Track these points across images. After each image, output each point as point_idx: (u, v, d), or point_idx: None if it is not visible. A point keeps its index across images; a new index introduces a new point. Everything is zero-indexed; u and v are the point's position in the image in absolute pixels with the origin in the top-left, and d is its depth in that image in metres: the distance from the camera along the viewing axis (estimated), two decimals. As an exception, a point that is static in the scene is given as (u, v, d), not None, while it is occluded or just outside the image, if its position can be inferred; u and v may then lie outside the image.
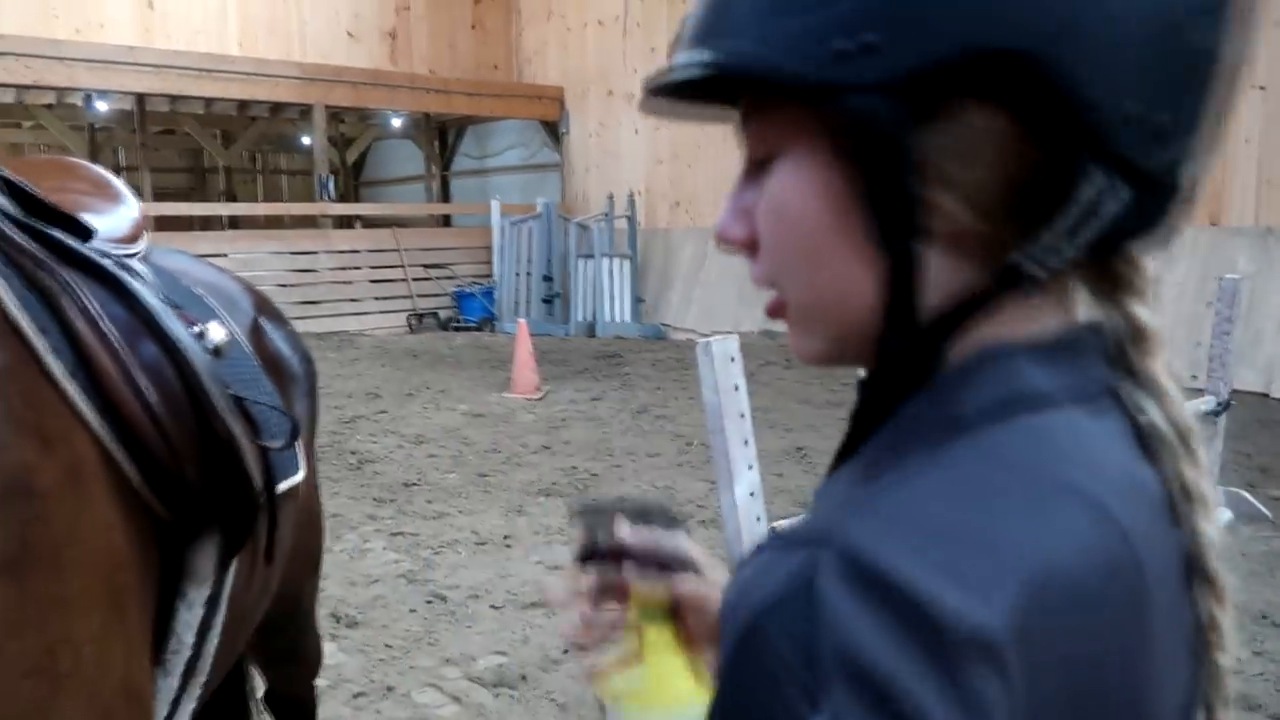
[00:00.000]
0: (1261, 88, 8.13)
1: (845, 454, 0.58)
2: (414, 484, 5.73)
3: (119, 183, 1.42)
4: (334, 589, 4.10)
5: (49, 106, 14.35)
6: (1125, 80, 0.47)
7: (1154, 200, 0.51)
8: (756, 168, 0.56)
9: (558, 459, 6.25)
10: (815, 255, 0.53)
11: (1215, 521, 0.53)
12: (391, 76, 14.46)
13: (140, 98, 13.95)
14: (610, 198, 13.98)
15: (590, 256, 13.07)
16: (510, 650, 3.50)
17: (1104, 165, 0.48)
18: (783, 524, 2.50)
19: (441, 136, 17.80)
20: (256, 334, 1.54)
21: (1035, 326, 0.52)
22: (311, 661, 1.99)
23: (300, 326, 9.40)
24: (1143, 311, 0.55)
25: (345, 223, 15.05)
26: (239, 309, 1.55)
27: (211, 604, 1.08)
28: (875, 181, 0.49)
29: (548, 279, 13.50)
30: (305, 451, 1.57)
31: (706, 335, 2.71)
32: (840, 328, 0.54)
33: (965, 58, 0.46)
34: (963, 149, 0.48)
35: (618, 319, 12.94)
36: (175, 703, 1.05)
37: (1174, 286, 8.61)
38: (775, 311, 0.58)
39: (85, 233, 1.08)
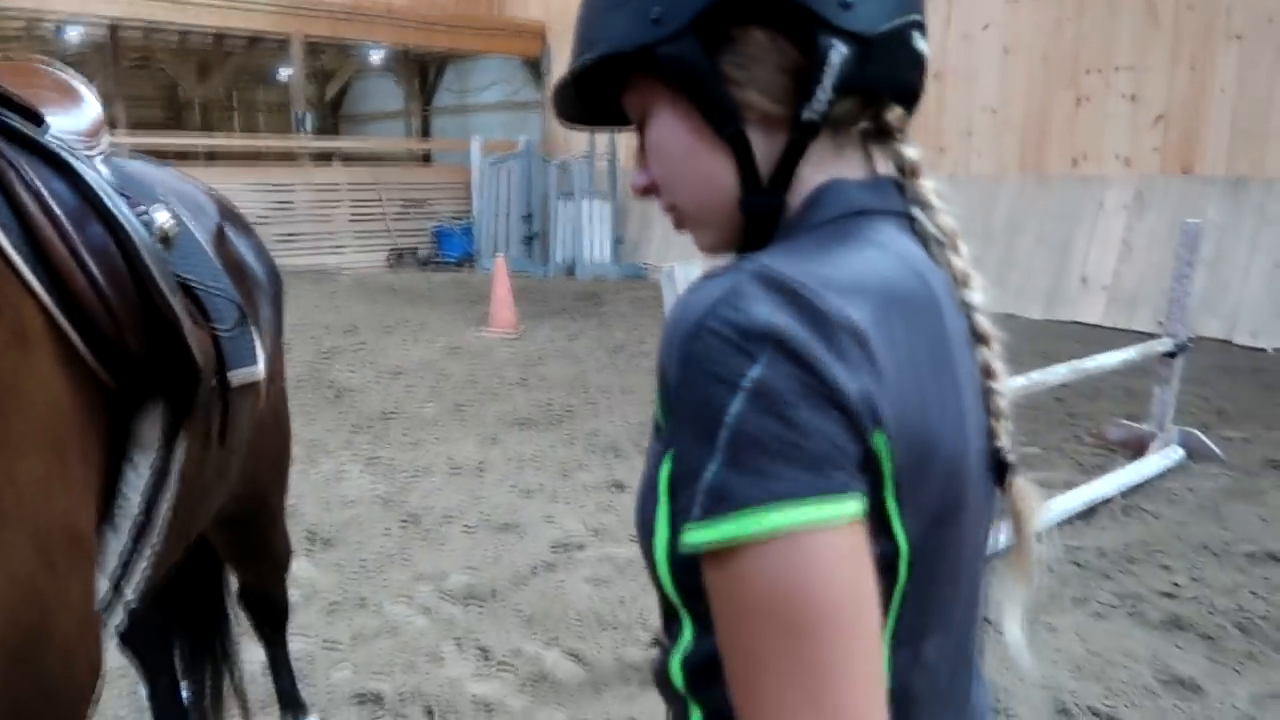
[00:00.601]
0: (1238, 37, 8.16)
1: None
2: (391, 414, 5.81)
3: (82, 85, 1.46)
4: (310, 510, 4.19)
5: (18, 37, 14.03)
6: None
7: (889, 59, 0.72)
8: (641, 131, 0.79)
9: (534, 393, 6.34)
10: (688, 168, 0.75)
11: (979, 292, 0.76)
12: (371, 8, 14.22)
13: (113, 27, 13.67)
14: (591, 137, 13.90)
15: (571, 196, 13.04)
16: (481, 568, 3.62)
17: (838, 38, 0.70)
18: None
19: (422, 73, 17.56)
20: (220, 239, 1.60)
21: (852, 172, 0.75)
22: (279, 560, 2.08)
23: (279, 261, 9.35)
24: (908, 149, 0.77)
25: (324, 158, 14.91)
26: (204, 213, 1.60)
27: (160, 474, 1.16)
28: (701, 100, 0.72)
29: (527, 218, 13.47)
30: (271, 354, 1.64)
31: (675, 265, 2.78)
32: (718, 212, 0.76)
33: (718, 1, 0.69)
34: (747, 60, 0.71)
35: (597, 259, 12.96)
36: (126, 563, 1.13)
37: (1145, 234, 8.73)
38: (678, 225, 0.80)
39: (37, 120, 1.13)
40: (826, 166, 0.74)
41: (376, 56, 16.27)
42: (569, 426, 5.55)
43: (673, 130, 0.75)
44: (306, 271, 12.31)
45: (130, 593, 1.15)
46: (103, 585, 1.08)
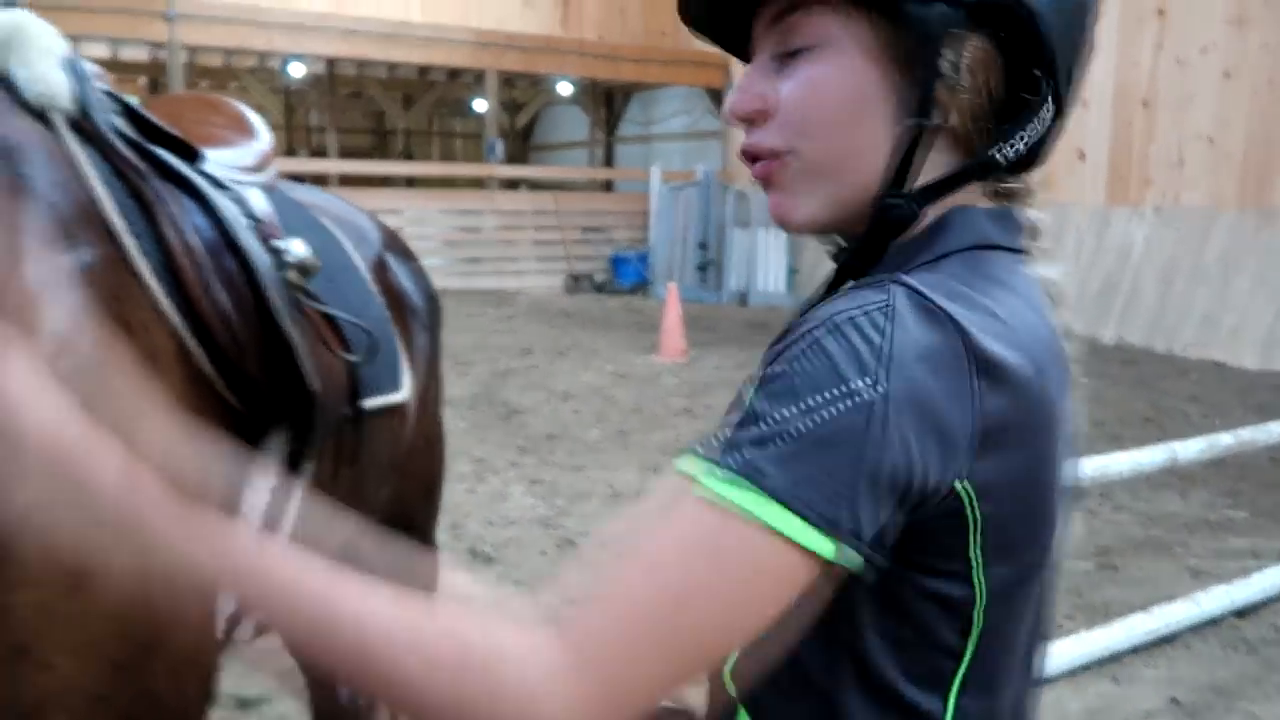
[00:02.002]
0: None
1: (831, 289, 0.77)
2: (557, 436, 5.93)
3: (255, 120, 1.56)
4: (473, 527, 4.32)
5: (251, 70, 15.44)
6: (1062, 35, 0.67)
7: (1052, 137, 0.71)
8: (782, 59, 0.70)
9: (698, 422, 6.30)
10: (842, 124, 0.68)
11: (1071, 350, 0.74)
12: (562, 43, 14.76)
13: (331, 62, 14.83)
14: (771, 166, 13.79)
15: (747, 225, 13.00)
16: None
17: (1053, 100, 0.69)
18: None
19: (608, 102, 18.04)
20: (380, 267, 1.66)
21: (983, 203, 0.72)
22: (424, 582, 2.13)
23: (463, 283, 9.88)
24: (1031, 212, 0.75)
25: (512, 185, 15.55)
26: (366, 242, 1.67)
27: (280, 495, 1.20)
28: (908, 73, 0.66)
29: (702, 246, 13.53)
30: (421, 379, 1.68)
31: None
32: (842, 187, 0.70)
33: None
34: (965, 66, 0.67)
35: (771, 289, 12.85)
36: None
37: None
38: (768, 177, 0.73)
39: (193, 155, 1.20)
40: (963, 193, 0.72)
41: (565, 88, 16.85)
42: (730, 458, 5.49)
43: (849, 79, 0.67)
44: (488, 293, 12.83)
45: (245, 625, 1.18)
46: (229, 603, 1.12)
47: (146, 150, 1.14)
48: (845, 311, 0.61)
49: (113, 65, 14.49)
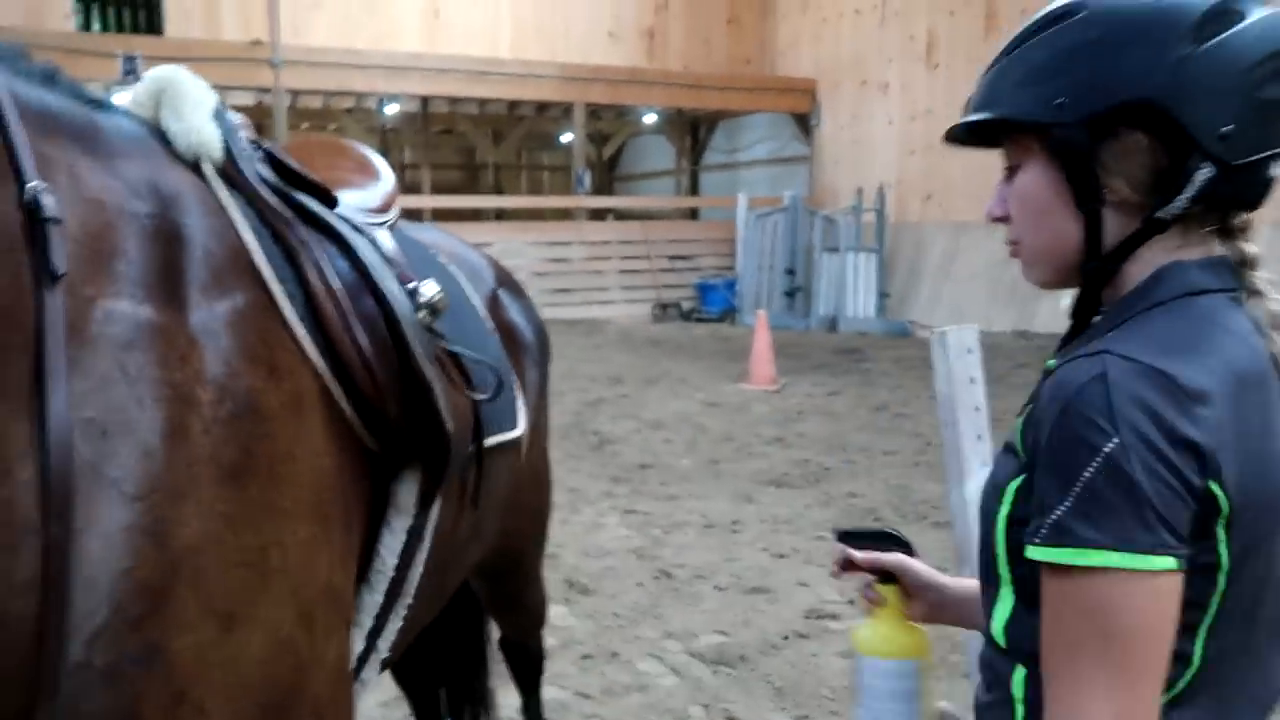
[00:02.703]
0: None
1: (1068, 340, 0.97)
2: (649, 466, 5.93)
3: (379, 162, 1.60)
4: (569, 558, 4.33)
5: (349, 110, 16.03)
6: (1218, 114, 0.85)
7: (1245, 181, 0.87)
8: (1010, 173, 0.98)
9: (790, 451, 6.23)
10: (1043, 220, 0.94)
11: None
12: (647, 73, 14.93)
13: (424, 100, 15.28)
14: (859, 190, 13.68)
15: (835, 250, 12.87)
16: (731, 630, 3.56)
17: (1208, 161, 0.86)
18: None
19: (693, 131, 18.15)
20: (494, 303, 1.69)
21: (1194, 254, 0.91)
22: (535, 613, 2.14)
23: (552, 313, 9.93)
24: (1248, 246, 0.92)
25: (598, 215, 15.74)
26: (481, 279, 1.70)
27: (414, 534, 1.21)
28: (1075, 176, 0.90)
29: (790, 272, 13.44)
30: (532, 413, 1.70)
31: (949, 330, 2.63)
32: (1055, 262, 0.95)
33: (1116, 105, 0.87)
34: (1122, 154, 0.89)
35: (861, 314, 12.67)
36: (381, 618, 1.19)
37: None
38: (1014, 254, 0.99)
39: (330, 200, 1.24)
40: (1169, 249, 0.90)
41: (650, 118, 17.02)
42: (826, 487, 5.40)
43: (1040, 187, 0.93)
44: (577, 323, 12.96)
45: (385, 649, 1.20)
46: (359, 642, 1.14)
47: (289, 196, 1.18)
48: (1074, 386, 0.83)
49: (221, 110, 15.22)
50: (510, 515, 1.69)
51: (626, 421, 7.15)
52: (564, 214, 15.37)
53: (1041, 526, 0.82)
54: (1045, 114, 0.89)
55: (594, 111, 16.36)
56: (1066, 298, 1.01)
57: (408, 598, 1.25)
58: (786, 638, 3.49)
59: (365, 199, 1.40)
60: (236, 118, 1.20)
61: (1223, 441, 0.80)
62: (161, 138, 1.10)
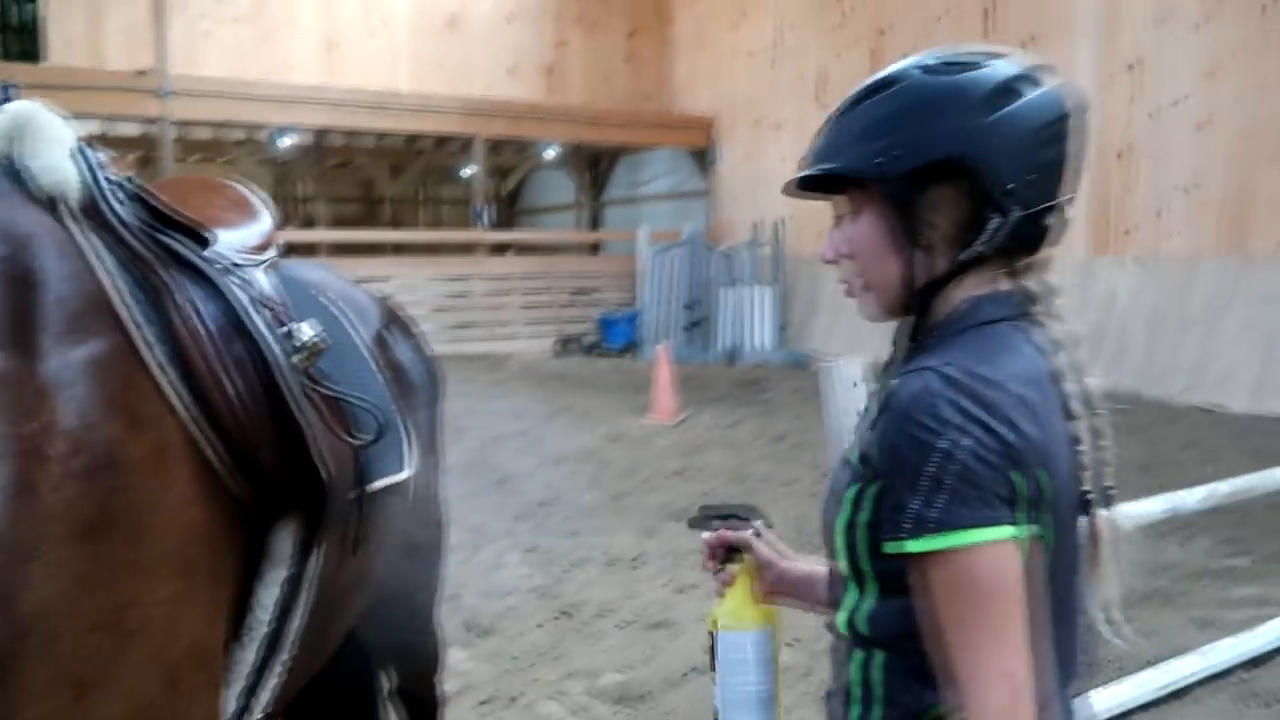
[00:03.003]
0: None
1: (890, 364, 1.13)
2: (551, 502, 5.88)
3: (257, 200, 1.56)
4: (469, 599, 4.25)
5: (240, 143, 15.61)
6: (1008, 170, 1.02)
7: (1027, 230, 1.06)
8: (842, 219, 1.13)
9: (692, 483, 6.27)
10: (875, 260, 1.09)
11: (1074, 383, 1.05)
12: (547, 109, 15.00)
13: (319, 133, 15.00)
14: (756, 225, 13.97)
15: (735, 284, 13.09)
16: (633, 668, 3.53)
17: (998, 211, 1.04)
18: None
19: (594, 166, 18.27)
20: (381, 343, 1.65)
21: (990, 288, 1.08)
22: (428, 661, 2.08)
23: (454, 348, 9.84)
24: (1031, 282, 1.09)
25: (499, 249, 15.66)
26: (367, 318, 1.66)
27: (292, 585, 1.16)
28: (900, 222, 1.06)
29: (690, 306, 13.60)
30: (422, 455, 1.66)
31: (841, 361, 2.69)
32: (885, 295, 1.10)
33: (929, 162, 1.03)
34: (937, 205, 1.05)
35: (761, 346, 12.89)
36: (256, 674, 1.14)
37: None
38: (849, 292, 1.14)
39: (202, 240, 1.20)
40: (976, 284, 1.08)
41: (551, 153, 17.07)
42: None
43: (873, 231, 1.08)
44: (478, 358, 12.82)
45: (260, 707, 1.15)
46: (232, 701, 1.09)
47: (155, 237, 1.13)
48: (907, 397, 0.98)
49: (105, 141, 14.58)
50: (400, 560, 1.65)
51: (528, 457, 7.08)
52: (464, 248, 15.24)
53: (902, 522, 0.95)
54: (876, 169, 1.05)
55: (494, 146, 16.33)
56: None
57: (285, 652, 1.20)
58: (687, 675, 3.48)
59: (241, 238, 1.36)
60: (101, 155, 1.15)
61: (1033, 435, 0.96)
62: (16, 177, 1.04)
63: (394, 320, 1.81)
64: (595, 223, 18.35)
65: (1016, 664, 0.93)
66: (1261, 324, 8.56)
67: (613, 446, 7.43)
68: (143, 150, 15.89)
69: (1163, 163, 9.52)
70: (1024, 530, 0.96)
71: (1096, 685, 3.16)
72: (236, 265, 1.25)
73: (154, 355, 1.01)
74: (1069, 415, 1.03)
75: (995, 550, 0.93)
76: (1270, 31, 8.63)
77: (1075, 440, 1.04)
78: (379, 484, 1.37)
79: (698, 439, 7.67)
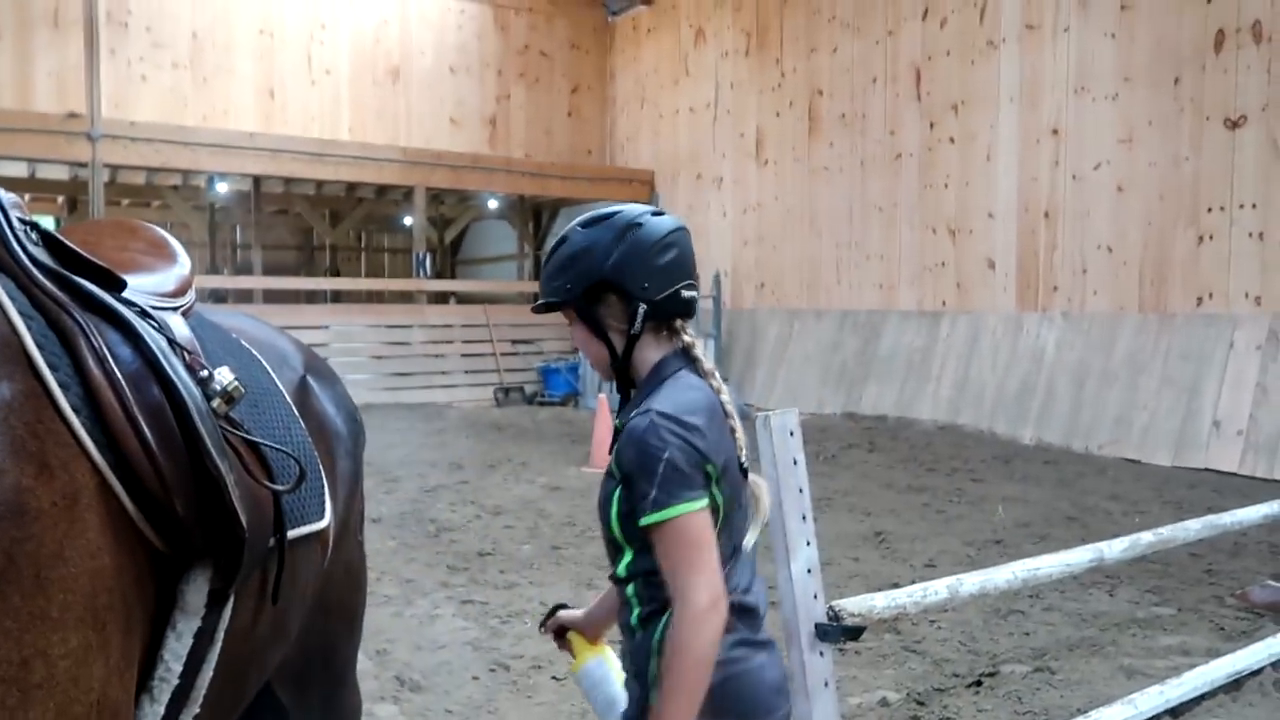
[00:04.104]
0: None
1: (621, 407, 1.70)
2: (488, 554, 5.79)
3: (175, 244, 1.53)
4: (401, 653, 4.14)
5: (174, 187, 15.37)
6: (639, 276, 1.61)
7: (668, 305, 1.64)
8: (571, 324, 1.71)
9: (631, 534, 6.22)
10: (589, 349, 1.70)
11: (727, 394, 1.68)
12: (490, 160, 15.07)
13: (257, 180, 14.85)
14: (696, 278, 14.11)
15: (675, 335, 13.17)
16: (567, 723, 3.47)
17: (641, 301, 1.62)
18: (844, 603, 2.45)
19: (536, 218, 18.36)
20: (302, 390, 1.62)
21: (669, 348, 1.68)
22: (347, 716, 2.01)
23: (392, 397, 9.68)
24: (685, 337, 1.68)
25: (440, 299, 15.57)
26: (288, 365, 1.63)
27: (203, 637, 1.12)
28: (590, 323, 1.67)
29: (633, 356, 13.63)
30: (343, 504, 1.63)
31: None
32: (602, 367, 1.70)
33: (592, 283, 1.63)
34: (607, 306, 1.65)
35: (701, 398, 12.95)
36: None
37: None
38: (596, 370, 1.76)
39: (116, 283, 1.17)
40: (651, 347, 1.66)
41: (494, 204, 17.12)
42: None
43: (580, 331, 1.68)
44: (417, 407, 12.66)
45: None
46: None
47: (67, 280, 1.10)
48: (641, 428, 1.53)
49: (30, 185, 14.29)
50: (318, 612, 1.60)
51: (466, 508, 6.98)
52: (405, 296, 15.13)
53: (645, 507, 1.50)
54: (565, 295, 1.64)
55: (436, 196, 16.33)
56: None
57: (195, 706, 1.15)
58: (624, 727, 3.43)
59: (158, 283, 1.33)
60: (10, 197, 1.12)
61: (710, 442, 1.55)
62: None
63: (315, 368, 1.78)
64: (537, 273, 18.38)
65: (714, 580, 1.49)
66: (1181, 380, 8.88)
67: (552, 497, 7.37)
68: (71, 194, 15.58)
69: (1085, 223, 9.90)
70: (713, 499, 1.54)
71: (1028, 734, 3.19)
72: (152, 309, 1.22)
73: (65, 399, 0.98)
74: (727, 416, 1.63)
75: (696, 515, 1.50)
76: (1183, 101, 9.08)
77: (733, 432, 1.63)
78: (298, 532, 1.34)
79: (637, 490, 7.64)
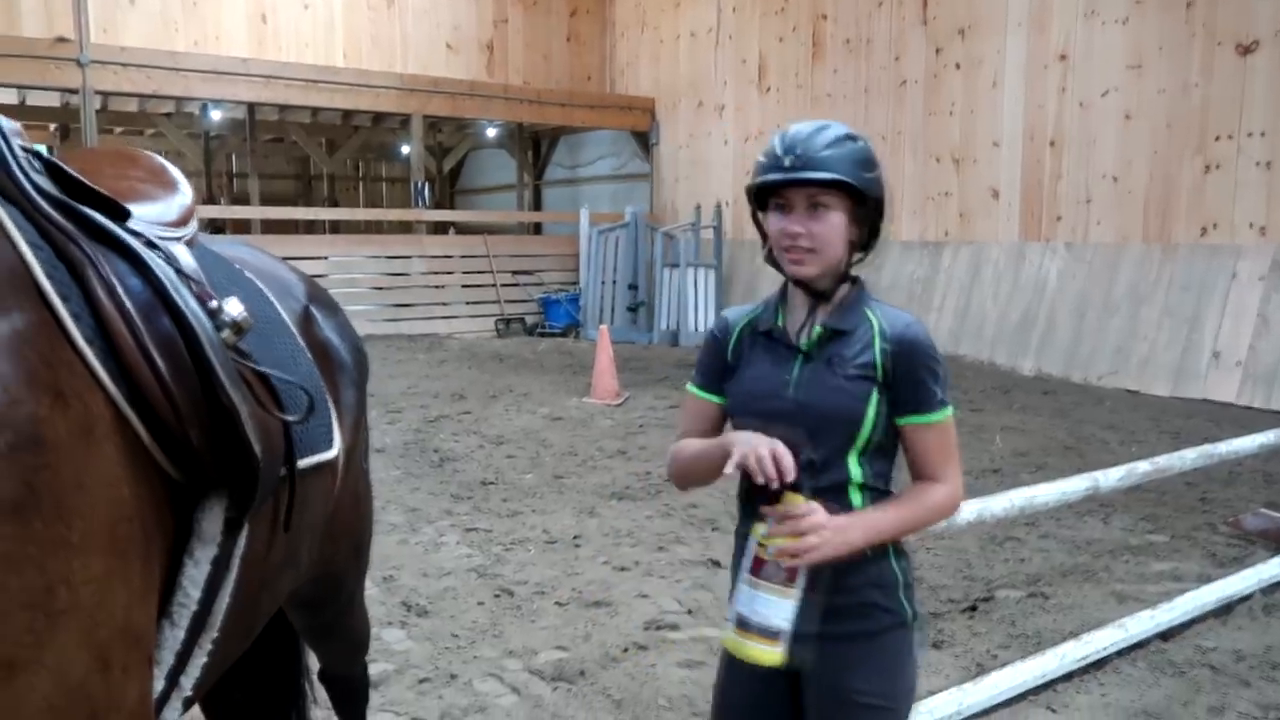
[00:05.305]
0: None
1: (813, 311, 1.69)
2: (491, 483, 5.85)
3: (176, 173, 1.51)
4: (407, 579, 4.22)
5: (168, 115, 15.14)
6: (878, 200, 1.66)
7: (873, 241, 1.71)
8: (811, 210, 1.60)
9: (632, 464, 6.29)
10: (832, 243, 1.61)
11: None
12: (487, 87, 14.81)
13: (251, 107, 14.62)
14: (698, 208, 14.01)
15: (676, 266, 13.13)
16: (571, 646, 3.55)
17: (878, 223, 1.68)
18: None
19: (535, 146, 18.13)
20: (306, 320, 1.62)
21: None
22: (356, 641, 2.06)
23: (393, 328, 9.68)
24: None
25: (440, 229, 15.46)
26: (291, 296, 1.63)
27: (220, 564, 1.15)
28: (856, 226, 1.64)
29: (633, 287, 13.61)
30: (349, 434, 1.64)
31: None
32: (828, 266, 1.63)
33: (879, 196, 1.64)
34: (868, 222, 1.66)
35: (702, 328, 12.95)
36: (184, 654, 1.12)
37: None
38: (799, 262, 1.62)
39: (121, 213, 1.16)
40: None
41: (492, 132, 16.89)
42: (667, 499, 5.48)
43: (839, 225, 1.61)
44: (418, 338, 12.68)
45: (188, 686, 1.13)
46: (160, 681, 1.07)
47: (73, 209, 1.10)
48: (925, 335, 1.65)
49: (21, 112, 14.06)
50: (327, 539, 1.63)
51: (469, 438, 7.04)
52: (404, 227, 15.02)
53: (933, 405, 1.61)
54: (872, 191, 1.61)
55: (433, 124, 16.09)
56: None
57: (213, 631, 1.18)
58: (626, 650, 3.51)
59: (160, 212, 1.32)
60: (12, 125, 1.11)
61: None
62: None
63: (319, 298, 1.78)
64: (537, 203, 18.23)
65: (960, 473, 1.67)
66: (1182, 311, 8.87)
67: (553, 427, 7.43)
68: (62, 121, 15.35)
69: (1091, 152, 9.78)
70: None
71: (1019, 658, 3.27)
72: (158, 239, 1.22)
73: (78, 330, 0.98)
74: None
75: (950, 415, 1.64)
76: (1194, 25, 8.90)
77: None
78: (308, 462, 1.35)
79: (638, 419, 7.70)
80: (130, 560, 0.98)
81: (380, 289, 13.36)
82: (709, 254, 13.42)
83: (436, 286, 13.81)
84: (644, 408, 8.19)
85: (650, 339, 13.01)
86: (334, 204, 20.00)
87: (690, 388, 1.81)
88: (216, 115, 15.21)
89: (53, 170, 1.12)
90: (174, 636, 1.10)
